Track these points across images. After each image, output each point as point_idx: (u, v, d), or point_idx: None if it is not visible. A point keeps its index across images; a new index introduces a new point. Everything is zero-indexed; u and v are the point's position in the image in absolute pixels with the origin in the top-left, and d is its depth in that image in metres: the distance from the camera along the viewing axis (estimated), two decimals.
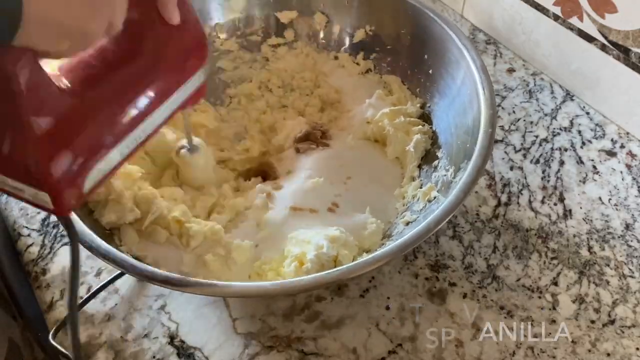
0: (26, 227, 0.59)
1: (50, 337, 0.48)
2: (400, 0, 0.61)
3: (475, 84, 0.52)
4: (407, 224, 0.52)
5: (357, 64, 0.68)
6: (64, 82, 0.35)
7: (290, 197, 0.55)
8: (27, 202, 0.35)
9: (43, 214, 0.60)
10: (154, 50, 0.41)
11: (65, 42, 0.30)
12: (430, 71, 0.60)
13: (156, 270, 0.42)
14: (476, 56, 0.54)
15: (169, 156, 0.56)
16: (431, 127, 0.60)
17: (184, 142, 0.55)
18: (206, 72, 0.46)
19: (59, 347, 0.47)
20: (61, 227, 0.58)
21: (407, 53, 0.63)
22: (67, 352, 0.47)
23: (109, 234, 0.51)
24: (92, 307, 0.52)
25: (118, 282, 0.53)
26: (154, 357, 0.49)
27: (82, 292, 0.53)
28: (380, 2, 0.64)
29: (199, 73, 0.45)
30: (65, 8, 0.28)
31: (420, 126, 0.59)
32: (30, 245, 0.57)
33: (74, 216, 0.44)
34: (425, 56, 0.60)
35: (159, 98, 0.42)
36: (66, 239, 0.57)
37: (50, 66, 0.35)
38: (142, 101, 0.40)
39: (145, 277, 0.42)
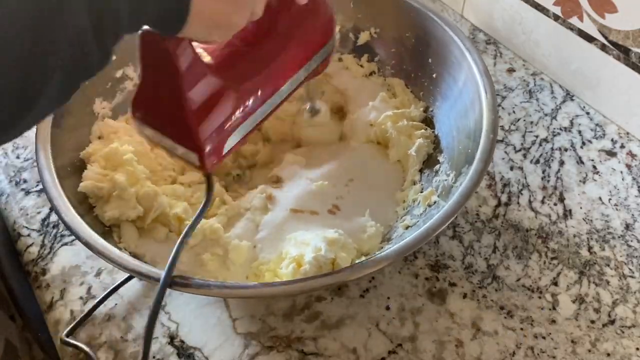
0: (26, 227, 0.59)
1: (64, 335, 0.48)
2: (404, 3, 0.61)
3: (478, 87, 0.52)
4: (407, 228, 0.52)
5: (361, 66, 0.68)
6: (212, 62, 0.42)
7: (291, 198, 0.55)
8: (179, 158, 0.42)
9: (43, 214, 0.60)
10: (288, 28, 0.46)
11: (217, 33, 0.37)
12: (434, 75, 0.60)
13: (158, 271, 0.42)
14: (478, 59, 0.54)
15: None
16: (433, 131, 0.59)
17: (307, 106, 0.60)
18: (332, 45, 0.51)
19: (76, 342, 0.48)
20: (61, 227, 0.58)
21: (411, 56, 0.63)
22: (84, 347, 0.48)
23: (108, 230, 0.51)
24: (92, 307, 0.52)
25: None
26: (154, 357, 0.49)
27: (82, 292, 0.53)
28: (385, 5, 0.64)
29: (326, 46, 0.50)
30: (220, 6, 0.35)
31: (422, 130, 0.59)
32: (30, 245, 0.57)
33: (77, 218, 0.45)
34: (429, 60, 0.60)
35: (290, 71, 0.47)
36: (66, 239, 0.57)
37: (201, 47, 0.42)
38: (276, 75, 0.46)
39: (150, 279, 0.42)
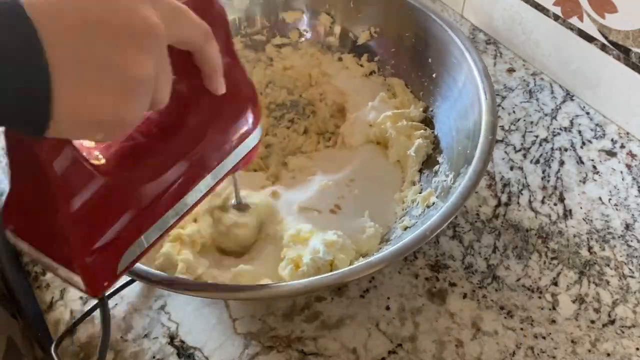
0: None
1: (52, 348, 0.46)
2: (405, 3, 0.61)
3: (477, 88, 0.52)
4: (405, 229, 0.52)
5: (361, 65, 0.68)
6: (100, 160, 0.34)
7: (297, 197, 0.55)
8: (61, 279, 0.34)
9: None
10: (201, 120, 0.38)
11: (100, 132, 0.29)
12: (434, 75, 0.60)
13: (161, 274, 0.42)
14: (478, 59, 0.54)
15: None
16: (433, 132, 0.59)
17: (232, 201, 0.52)
18: (259, 135, 0.43)
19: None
20: None
21: (411, 56, 0.63)
22: None
23: None
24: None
25: (118, 283, 0.53)
26: (154, 357, 0.49)
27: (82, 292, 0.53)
28: (385, 4, 0.64)
29: (252, 136, 0.42)
30: (99, 99, 0.27)
31: (422, 130, 0.59)
32: None
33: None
34: (429, 59, 0.60)
35: (205, 169, 0.39)
36: None
37: (87, 143, 0.34)
38: (186, 175, 0.38)
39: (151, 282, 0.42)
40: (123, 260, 0.36)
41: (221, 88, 0.37)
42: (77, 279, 0.33)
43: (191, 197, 0.39)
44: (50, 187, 0.31)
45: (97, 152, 0.35)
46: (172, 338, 0.50)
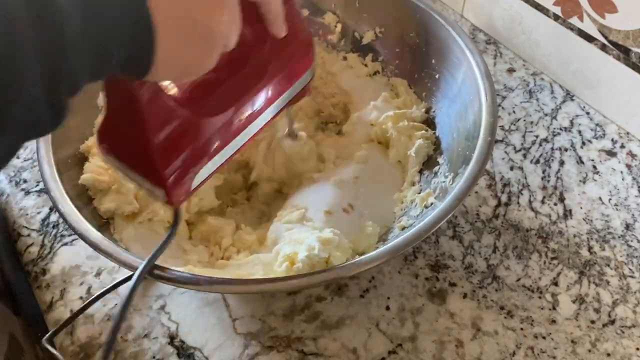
0: (26, 227, 0.59)
1: (44, 340, 0.47)
2: (409, 3, 0.61)
3: (478, 89, 0.52)
4: (403, 228, 0.52)
5: (366, 65, 0.68)
6: (180, 95, 0.40)
7: (321, 201, 0.55)
8: (146, 192, 0.41)
9: (43, 214, 0.60)
10: (264, 58, 0.44)
11: (186, 76, 0.36)
12: (437, 76, 0.60)
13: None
14: (480, 60, 0.53)
15: None
16: (434, 133, 0.59)
17: (285, 131, 0.58)
18: (312, 72, 0.49)
19: (52, 350, 0.47)
20: (61, 227, 0.58)
21: (415, 56, 0.63)
22: (58, 355, 0.46)
23: (105, 223, 0.51)
24: (92, 307, 0.52)
25: None
26: (154, 357, 0.49)
27: (82, 291, 0.53)
28: (390, 5, 0.64)
29: (306, 74, 0.48)
30: (188, 52, 0.33)
31: (423, 131, 0.59)
32: (30, 245, 0.57)
33: (74, 210, 0.45)
34: (433, 60, 0.60)
35: (267, 102, 0.45)
36: (66, 239, 0.57)
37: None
38: (250, 108, 0.44)
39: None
40: (197, 178, 0.42)
41: (282, 32, 0.44)
42: (160, 192, 0.40)
43: (254, 127, 0.45)
44: (140, 116, 0.37)
45: (175, 88, 0.41)
46: (172, 338, 0.50)
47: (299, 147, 0.59)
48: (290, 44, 0.46)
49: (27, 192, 0.62)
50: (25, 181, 0.63)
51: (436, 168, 0.56)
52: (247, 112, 0.44)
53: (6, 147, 0.27)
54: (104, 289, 0.50)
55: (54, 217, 0.59)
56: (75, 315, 0.49)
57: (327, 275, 0.43)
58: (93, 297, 0.50)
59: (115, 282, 0.50)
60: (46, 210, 0.60)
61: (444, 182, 0.52)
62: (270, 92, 0.45)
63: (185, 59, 0.33)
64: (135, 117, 0.37)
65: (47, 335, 0.47)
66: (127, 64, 0.30)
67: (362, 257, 0.43)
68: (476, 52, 0.55)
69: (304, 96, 0.50)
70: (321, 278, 0.43)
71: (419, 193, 0.55)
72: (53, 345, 0.47)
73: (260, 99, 0.45)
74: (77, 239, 0.57)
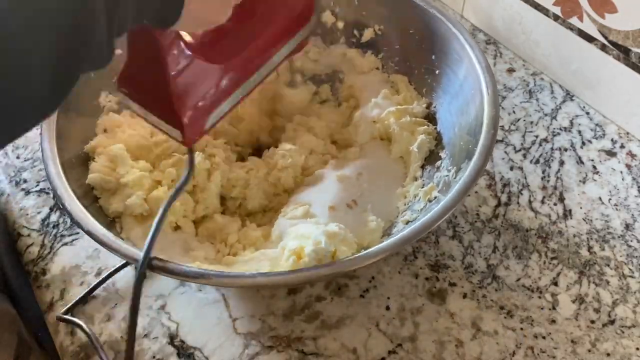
0: (26, 227, 0.59)
1: (61, 313, 0.50)
2: (408, 0, 0.61)
3: (479, 83, 0.52)
4: (407, 223, 0.52)
5: (366, 62, 0.68)
6: (194, 41, 0.43)
7: (324, 197, 0.55)
8: (162, 132, 0.44)
9: (43, 214, 0.60)
10: (268, 11, 0.48)
11: (205, 26, 0.40)
12: (437, 71, 0.60)
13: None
14: (480, 55, 0.54)
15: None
16: (436, 128, 0.59)
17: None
18: (310, 28, 0.52)
19: (74, 319, 0.50)
20: (61, 227, 0.58)
21: (415, 52, 0.63)
22: (81, 323, 0.49)
23: (111, 221, 0.52)
24: (92, 307, 0.52)
25: (119, 283, 0.53)
26: (154, 357, 0.49)
27: (82, 291, 0.53)
28: (389, 2, 0.64)
29: (305, 28, 0.51)
30: (208, 7, 0.38)
31: (425, 126, 0.59)
32: (30, 245, 0.57)
33: (81, 208, 0.46)
34: (433, 56, 0.60)
35: (270, 52, 0.49)
36: (66, 239, 0.57)
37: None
38: (256, 56, 0.48)
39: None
40: (210, 118, 0.45)
41: None
42: (177, 132, 0.43)
43: (260, 74, 0.48)
44: (161, 61, 0.40)
45: (190, 37, 0.43)
46: (172, 338, 0.50)
47: (299, 92, 0.64)
48: (293, 1, 0.49)
49: (27, 192, 0.62)
50: (25, 181, 0.63)
51: (438, 163, 0.56)
52: (255, 57, 0.48)
53: (74, 81, 0.30)
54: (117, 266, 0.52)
55: (54, 217, 0.59)
56: (92, 289, 0.52)
57: (342, 266, 0.43)
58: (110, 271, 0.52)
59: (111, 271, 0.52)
60: (46, 210, 0.60)
61: (446, 176, 0.52)
62: (275, 41, 0.49)
63: (207, 10, 0.38)
64: (156, 63, 0.40)
65: (64, 309, 0.51)
66: (160, 14, 0.35)
67: (369, 249, 0.43)
68: (476, 47, 0.55)
69: (304, 46, 0.53)
70: (335, 269, 0.43)
71: (422, 187, 0.55)
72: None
73: (267, 46, 0.48)
74: (77, 238, 0.57)
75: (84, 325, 0.49)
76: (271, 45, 0.49)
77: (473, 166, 0.46)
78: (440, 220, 0.44)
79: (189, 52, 0.42)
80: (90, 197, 0.52)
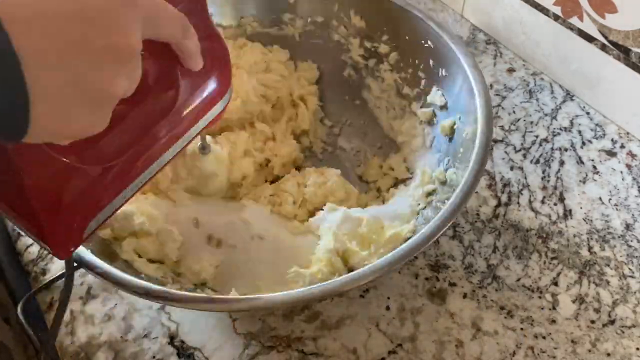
0: None
1: (19, 307, 0.46)
2: (401, 10, 0.59)
3: (474, 99, 0.50)
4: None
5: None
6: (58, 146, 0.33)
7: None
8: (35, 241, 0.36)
9: None
10: (171, 92, 0.39)
11: (70, 140, 0.30)
12: (437, 81, 0.58)
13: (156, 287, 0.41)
14: (476, 72, 0.52)
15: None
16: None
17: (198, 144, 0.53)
18: (229, 97, 0.44)
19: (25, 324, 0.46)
20: None
21: (414, 62, 0.61)
22: (29, 331, 0.46)
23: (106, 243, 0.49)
24: (92, 307, 0.52)
25: None
26: (154, 357, 0.49)
27: (82, 292, 0.53)
28: (385, 16, 0.62)
29: (221, 101, 0.43)
30: (73, 119, 0.28)
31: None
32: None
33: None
34: (431, 62, 0.58)
35: (171, 140, 0.40)
36: None
37: None
38: (156, 144, 0.39)
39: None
40: (90, 226, 0.37)
41: (198, 66, 0.38)
42: (45, 245, 0.35)
43: (158, 162, 0.40)
44: (16, 171, 0.32)
45: None
46: (172, 338, 0.50)
47: (208, 161, 0.54)
48: (205, 72, 0.40)
49: None
50: None
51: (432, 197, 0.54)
52: (153, 148, 0.39)
53: None
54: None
55: None
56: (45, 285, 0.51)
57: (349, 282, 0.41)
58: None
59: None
60: None
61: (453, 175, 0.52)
62: (177, 129, 0.40)
63: (71, 124, 0.28)
64: (10, 170, 0.32)
65: (24, 299, 0.47)
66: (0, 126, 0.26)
67: (365, 268, 0.42)
68: (469, 58, 0.53)
69: (217, 122, 0.44)
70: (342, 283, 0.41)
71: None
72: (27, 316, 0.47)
73: (165, 137, 0.39)
74: None
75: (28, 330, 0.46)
76: (177, 129, 0.40)
77: (454, 201, 0.44)
78: (427, 244, 0.42)
79: (57, 152, 0.33)
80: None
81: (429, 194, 0.53)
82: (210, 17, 0.42)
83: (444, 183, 0.52)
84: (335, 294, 0.43)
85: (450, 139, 0.54)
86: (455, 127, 0.53)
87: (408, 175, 0.59)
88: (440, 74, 0.57)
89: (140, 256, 0.49)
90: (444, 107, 0.56)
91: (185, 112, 0.40)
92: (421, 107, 0.59)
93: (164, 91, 0.39)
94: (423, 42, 0.57)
